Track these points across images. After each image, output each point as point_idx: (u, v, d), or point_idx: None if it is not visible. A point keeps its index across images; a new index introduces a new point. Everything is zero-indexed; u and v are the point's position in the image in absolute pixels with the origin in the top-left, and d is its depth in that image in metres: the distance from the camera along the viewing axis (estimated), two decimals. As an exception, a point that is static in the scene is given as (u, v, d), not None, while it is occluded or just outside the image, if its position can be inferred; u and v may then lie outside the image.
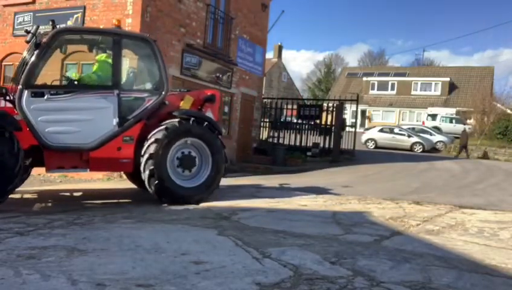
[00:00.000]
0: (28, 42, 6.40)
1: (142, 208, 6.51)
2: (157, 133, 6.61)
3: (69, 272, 3.21)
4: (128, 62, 7.15)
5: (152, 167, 6.50)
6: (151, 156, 6.51)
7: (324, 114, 17.99)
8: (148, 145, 6.57)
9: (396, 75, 46.12)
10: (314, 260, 3.78)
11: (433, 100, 41.73)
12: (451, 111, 37.22)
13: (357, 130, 19.51)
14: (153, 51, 7.00)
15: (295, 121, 19.03)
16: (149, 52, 7.03)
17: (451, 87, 42.49)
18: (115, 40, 6.75)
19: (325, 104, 18.72)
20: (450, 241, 4.80)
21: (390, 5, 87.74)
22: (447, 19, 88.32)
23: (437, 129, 30.08)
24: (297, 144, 17.81)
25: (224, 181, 9.55)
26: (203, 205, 6.73)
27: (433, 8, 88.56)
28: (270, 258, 3.78)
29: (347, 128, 18.25)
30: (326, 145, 17.39)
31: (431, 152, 25.00)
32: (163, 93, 6.92)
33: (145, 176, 6.59)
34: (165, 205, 6.58)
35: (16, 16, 12.35)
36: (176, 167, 6.83)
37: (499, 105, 31.54)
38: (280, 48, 49.60)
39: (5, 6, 12.62)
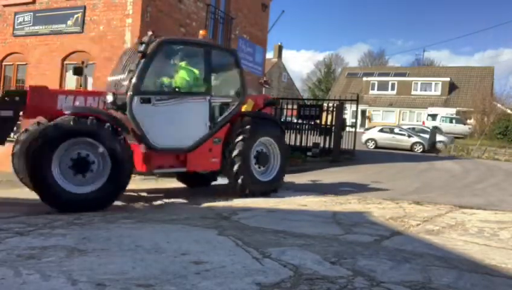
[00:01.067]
0: (142, 52, 6.76)
1: (142, 208, 6.52)
2: (243, 133, 7.48)
3: (69, 272, 3.21)
4: (216, 71, 7.82)
5: (240, 163, 7.37)
6: (239, 153, 7.37)
7: (324, 114, 17.97)
8: (236, 143, 7.42)
9: (396, 75, 46.16)
10: (314, 260, 3.78)
11: (433, 100, 41.76)
12: (451, 111, 37.25)
13: (357, 130, 19.50)
14: (236, 61, 7.99)
15: (295, 121, 19.02)
16: (232, 62, 7.96)
17: (452, 87, 42.53)
18: (206, 50, 7.36)
19: (325, 104, 18.70)
20: (450, 241, 4.80)
21: (390, 5, 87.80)
22: (447, 19, 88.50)
23: (437, 129, 30.08)
24: (297, 144, 17.79)
25: (224, 181, 9.55)
26: (203, 204, 6.73)
27: (434, 8, 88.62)
28: (270, 258, 3.78)
29: (347, 128, 18.24)
30: (327, 145, 17.38)
31: (431, 152, 24.99)
32: (243, 98, 7.82)
33: (233, 172, 7.43)
34: (165, 202, 6.59)
35: (16, 16, 12.35)
36: (254, 163, 7.69)
37: (499, 105, 31.60)
38: (280, 48, 49.59)
39: (5, 6, 12.63)
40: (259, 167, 7.82)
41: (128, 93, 6.56)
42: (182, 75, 7.25)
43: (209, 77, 7.34)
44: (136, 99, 6.56)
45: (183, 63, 7.35)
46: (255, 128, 7.56)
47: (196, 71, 7.34)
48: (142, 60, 6.69)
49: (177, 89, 7.08)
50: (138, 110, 6.56)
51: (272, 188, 7.89)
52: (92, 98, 6.92)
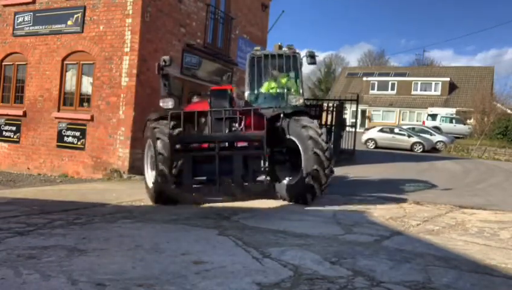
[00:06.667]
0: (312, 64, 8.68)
1: (142, 208, 6.52)
2: None
3: (69, 272, 3.21)
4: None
5: None
6: None
7: (324, 114, 17.95)
8: None
9: (396, 75, 46.12)
10: (314, 260, 3.78)
11: (433, 100, 41.74)
12: (451, 111, 37.22)
13: (357, 130, 19.50)
14: None
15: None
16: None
17: (451, 87, 42.49)
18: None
19: (325, 104, 18.68)
20: (450, 241, 4.80)
21: (392, 3, 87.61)
22: (451, 18, 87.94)
23: (437, 129, 30.06)
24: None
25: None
26: (203, 204, 6.73)
27: (437, 6, 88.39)
28: (270, 258, 3.78)
29: (347, 128, 18.22)
30: (327, 145, 17.39)
31: (431, 152, 24.98)
32: None
33: None
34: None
35: (16, 16, 12.34)
36: None
37: (499, 105, 31.52)
38: (280, 48, 49.45)
39: (5, 6, 12.62)
40: None
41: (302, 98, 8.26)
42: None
43: None
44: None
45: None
46: None
47: None
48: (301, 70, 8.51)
49: None
50: None
51: None
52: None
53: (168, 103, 7.22)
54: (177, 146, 6.11)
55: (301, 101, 8.00)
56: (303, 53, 8.86)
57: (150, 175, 7.16)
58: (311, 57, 8.37)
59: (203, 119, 7.01)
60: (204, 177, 6.16)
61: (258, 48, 9.31)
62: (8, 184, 9.81)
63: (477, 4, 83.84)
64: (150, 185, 6.96)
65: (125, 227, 4.96)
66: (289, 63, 8.52)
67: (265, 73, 8.70)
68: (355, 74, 49.25)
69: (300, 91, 8.46)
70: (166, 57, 7.72)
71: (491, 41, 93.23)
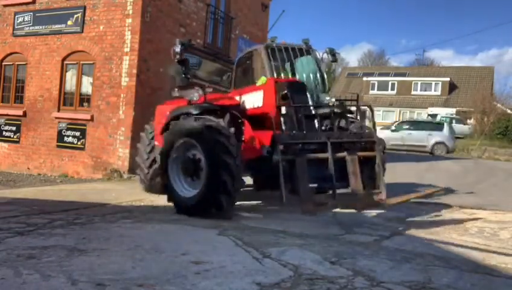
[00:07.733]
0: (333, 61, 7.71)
1: (142, 208, 6.52)
2: None
3: (69, 272, 3.21)
4: None
5: None
6: None
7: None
8: None
9: (396, 75, 46.10)
10: (314, 260, 3.78)
11: (433, 100, 41.73)
12: (451, 111, 37.23)
13: (357, 130, 19.48)
14: None
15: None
16: None
17: (451, 87, 42.48)
18: None
19: (325, 104, 18.68)
20: (450, 241, 4.80)
21: (393, 4, 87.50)
22: (451, 18, 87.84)
23: (437, 129, 30.03)
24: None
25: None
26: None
27: (437, 7, 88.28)
28: (270, 258, 3.78)
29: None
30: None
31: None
32: None
33: None
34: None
35: (16, 16, 12.35)
36: None
37: (499, 105, 31.54)
38: (280, 48, 49.43)
39: (5, 6, 12.63)
40: None
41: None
42: None
43: None
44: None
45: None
46: None
47: None
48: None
49: None
50: None
51: None
52: None
53: (193, 94, 6.32)
54: (281, 147, 5.34)
55: (333, 99, 7.35)
56: (321, 51, 7.97)
57: (181, 183, 6.07)
58: (332, 55, 7.54)
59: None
60: (315, 185, 5.46)
61: (273, 38, 8.50)
62: (8, 184, 9.82)
63: (477, 4, 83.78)
64: (184, 194, 5.96)
65: (125, 227, 4.96)
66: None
67: (282, 67, 7.66)
68: (355, 74, 49.24)
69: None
70: (184, 40, 6.40)
71: (492, 41, 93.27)
